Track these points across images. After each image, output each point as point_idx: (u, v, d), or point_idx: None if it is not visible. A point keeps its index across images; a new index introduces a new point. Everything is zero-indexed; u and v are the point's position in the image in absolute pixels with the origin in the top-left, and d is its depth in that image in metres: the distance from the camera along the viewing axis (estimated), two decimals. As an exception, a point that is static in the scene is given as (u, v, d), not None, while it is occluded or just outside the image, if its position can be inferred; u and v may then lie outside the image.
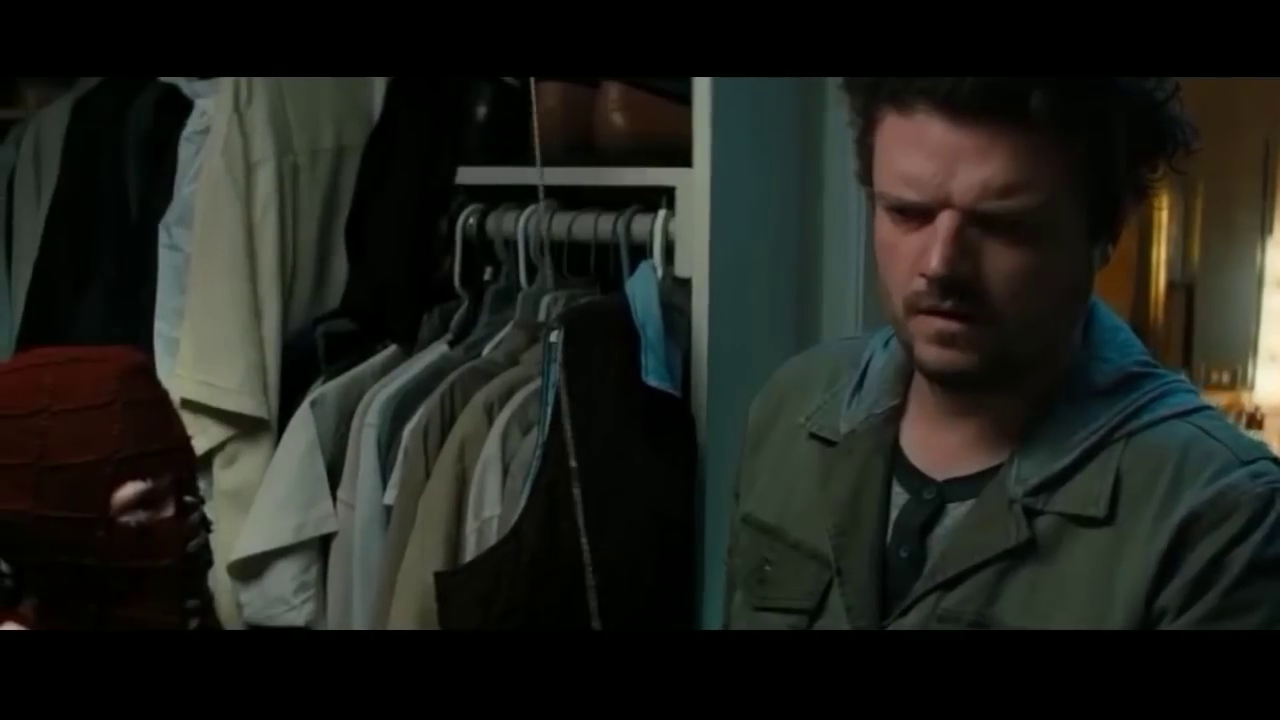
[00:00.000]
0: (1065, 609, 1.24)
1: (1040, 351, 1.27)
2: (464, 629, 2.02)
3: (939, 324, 1.23)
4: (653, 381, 1.99)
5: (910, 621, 1.29)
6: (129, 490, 1.61)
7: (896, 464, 1.34)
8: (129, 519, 1.61)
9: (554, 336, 2.05)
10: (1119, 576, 1.23)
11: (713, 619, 2.11)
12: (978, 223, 1.20)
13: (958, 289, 1.21)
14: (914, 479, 1.33)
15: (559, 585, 2.01)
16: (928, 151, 1.20)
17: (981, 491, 1.29)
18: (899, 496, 1.33)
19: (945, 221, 1.20)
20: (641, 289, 2.06)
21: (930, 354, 1.26)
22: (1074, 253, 1.24)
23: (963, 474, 1.31)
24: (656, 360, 2.00)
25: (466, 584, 2.03)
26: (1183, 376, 1.34)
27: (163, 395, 1.69)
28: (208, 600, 1.72)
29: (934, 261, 1.20)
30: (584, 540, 2.01)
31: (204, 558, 1.69)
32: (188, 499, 1.66)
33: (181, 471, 1.66)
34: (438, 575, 2.06)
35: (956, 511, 1.30)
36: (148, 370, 1.69)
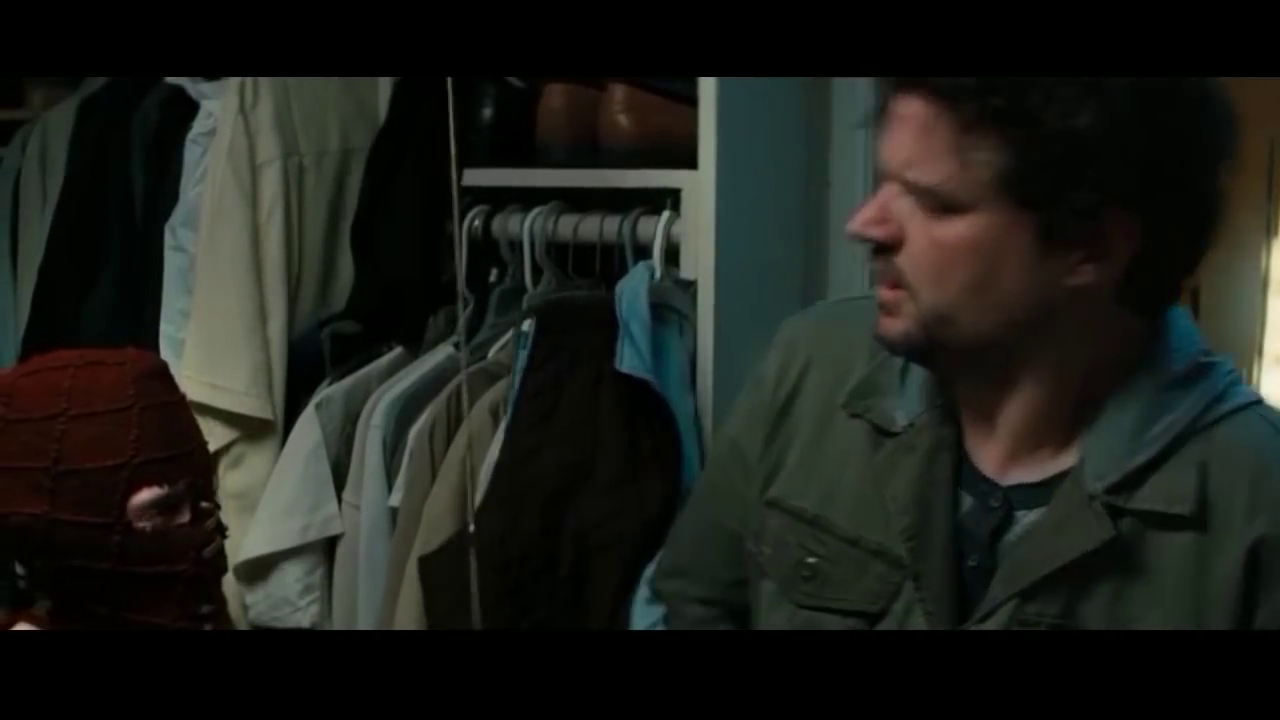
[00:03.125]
0: (1156, 610, 1.23)
1: (998, 337, 1.25)
2: (442, 608, 2.03)
3: (880, 292, 1.27)
4: (625, 368, 1.98)
5: (989, 629, 1.27)
6: (145, 495, 1.60)
7: (961, 465, 1.31)
8: (145, 524, 1.60)
9: (526, 326, 2.05)
10: (1213, 575, 1.22)
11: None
12: (910, 194, 1.22)
13: (882, 253, 1.24)
14: (979, 483, 1.31)
15: (532, 568, 2.01)
16: (892, 127, 1.24)
17: (1054, 496, 1.27)
18: (965, 501, 1.31)
19: (881, 188, 1.24)
20: (630, 287, 2.06)
21: (879, 324, 1.28)
22: (1008, 251, 1.21)
23: (1029, 480, 1.29)
24: (635, 352, 2.00)
25: (441, 565, 2.05)
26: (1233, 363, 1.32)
27: (179, 399, 1.69)
28: (221, 605, 1.72)
29: (855, 220, 1.25)
30: (548, 524, 2.01)
31: (219, 563, 1.69)
32: (203, 504, 1.66)
33: (197, 476, 1.66)
34: (420, 559, 2.09)
35: (1027, 519, 1.28)
36: (165, 373, 1.69)
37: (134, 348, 1.70)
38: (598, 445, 2.04)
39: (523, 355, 2.05)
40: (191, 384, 2.33)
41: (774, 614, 1.40)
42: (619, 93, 2.28)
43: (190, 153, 2.48)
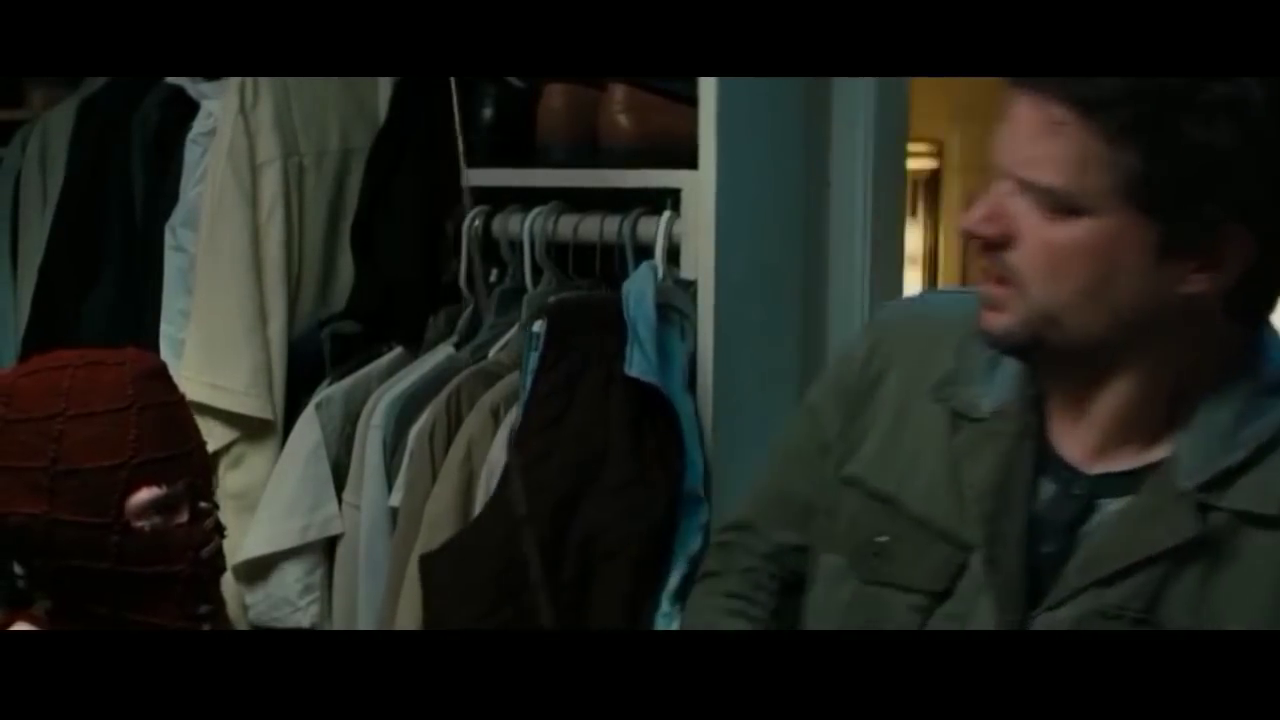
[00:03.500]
0: (1241, 609, 1.23)
1: (1104, 338, 1.26)
2: (442, 607, 2.03)
3: (985, 287, 1.28)
4: (634, 372, 1.98)
5: (1064, 615, 1.27)
6: (144, 495, 1.60)
7: (1044, 453, 1.32)
8: (143, 524, 1.60)
9: (536, 327, 2.05)
10: None
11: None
12: (1028, 193, 1.23)
13: (994, 250, 1.25)
14: (1062, 471, 1.31)
15: (533, 572, 2.01)
16: (1014, 125, 1.24)
17: (1142, 487, 1.28)
18: (1045, 488, 1.31)
19: (998, 186, 1.24)
20: (636, 287, 2.06)
21: (981, 318, 1.29)
22: (1125, 258, 1.22)
23: (1117, 470, 1.29)
24: (642, 355, 2.00)
25: (442, 564, 2.05)
26: None
27: (178, 399, 1.69)
28: (220, 605, 1.72)
29: (968, 217, 1.25)
30: (555, 529, 2.02)
31: (217, 564, 1.69)
32: (202, 504, 1.66)
33: (196, 477, 1.66)
34: (422, 558, 2.08)
35: (1110, 508, 1.29)
36: (164, 374, 1.69)
37: (134, 348, 1.70)
38: (607, 448, 2.04)
39: (534, 356, 2.05)
40: (191, 384, 2.33)
41: (837, 588, 1.42)
42: (619, 93, 2.28)
43: (190, 153, 2.48)
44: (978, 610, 1.31)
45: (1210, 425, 1.26)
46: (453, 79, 2.40)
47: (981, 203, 1.26)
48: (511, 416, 2.14)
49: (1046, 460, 1.32)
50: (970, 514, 1.33)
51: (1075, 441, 1.32)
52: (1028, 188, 1.23)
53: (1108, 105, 1.18)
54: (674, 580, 2.06)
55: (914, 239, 4.48)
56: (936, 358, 1.40)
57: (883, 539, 1.38)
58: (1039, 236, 1.23)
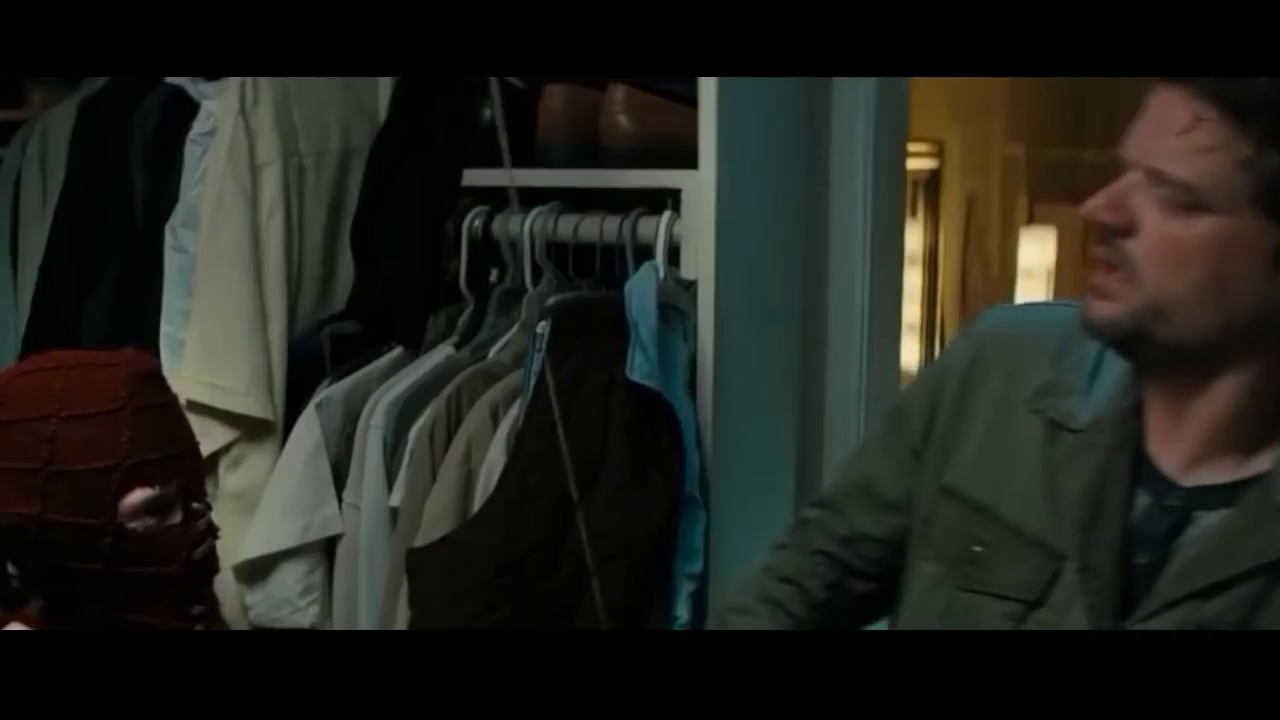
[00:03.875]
0: None
1: (1212, 339, 1.25)
2: (432, 605, 2.02)
3: (1096, 276, 1.28)
4: (636, 377, 1.98)
5: (1159, 626, 1.27)
6: (137, 496, 1.61)
7: (1140, 464, 1.32)
8: (136, 525, 1.61)
9: (541, 327, 2.05)
10: None
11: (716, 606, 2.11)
12: (1156, 186, 1.23)
13: (1112, 239, 1.26)
14: (1158, 482, 1.31)
15: (529, 574, 2.01)
16: (1152, 118, 1.25)
17: (1241, 500, 1.27)
18: (1140, 500, 1.31)
19: (1122, 176, 1.25)
20: (639, 289, 2.06)
21: (1086, 306, 1.29)
22: (1249, 261, 1.23)
23: (1213, 482, 1.29)
24: (644, 358, 2.00)
25: (422, 565, 2.04)
26: None
27: (171, 400, 1.69)
28: (213, 606, 1.72)
29: (1090, 202, 1.26)
30: (553, 531, 2.01)
31: (210, 564, 1.69)
32: (195, 505, 1.66)
33: (189, 477, 1.66)
34: (409, 552, 2.08)
35: (1207, 520, 1.28)
36: (158, 375, 1.69)
37: (128, 349, 1.70)
38: (606, 450, 2.04)
39: (537, 357, 2.04)
40: (192, 384, 2.34)
41: (933, 595, 1.43)
42: (619, 93, 2.28)
43: (190, 153, 2.48)
44: (1070, 620, 1.31)
45: None
46: (453, 79, 2.41)
47: (1106, 189, 1.26)
48: (511, 416, 2.14)
49: (1142, 471, 1.32)
50: (1065, 524, 1.33)
51: (1172, 452, 1.31)
52: (1160, 180, 1.23)
53: (1258, 109, 1.19)
54: (686, 588, 2.07)
55: (914, 239, 4.48)
56: (1035, 368, 1.40)
57: (978, 548, 1.39)
58: (1161, 229, 1.23)
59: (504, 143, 1.84)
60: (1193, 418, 1.30)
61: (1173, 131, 1.22)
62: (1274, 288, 1.23)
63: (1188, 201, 1.22)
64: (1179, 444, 1.31)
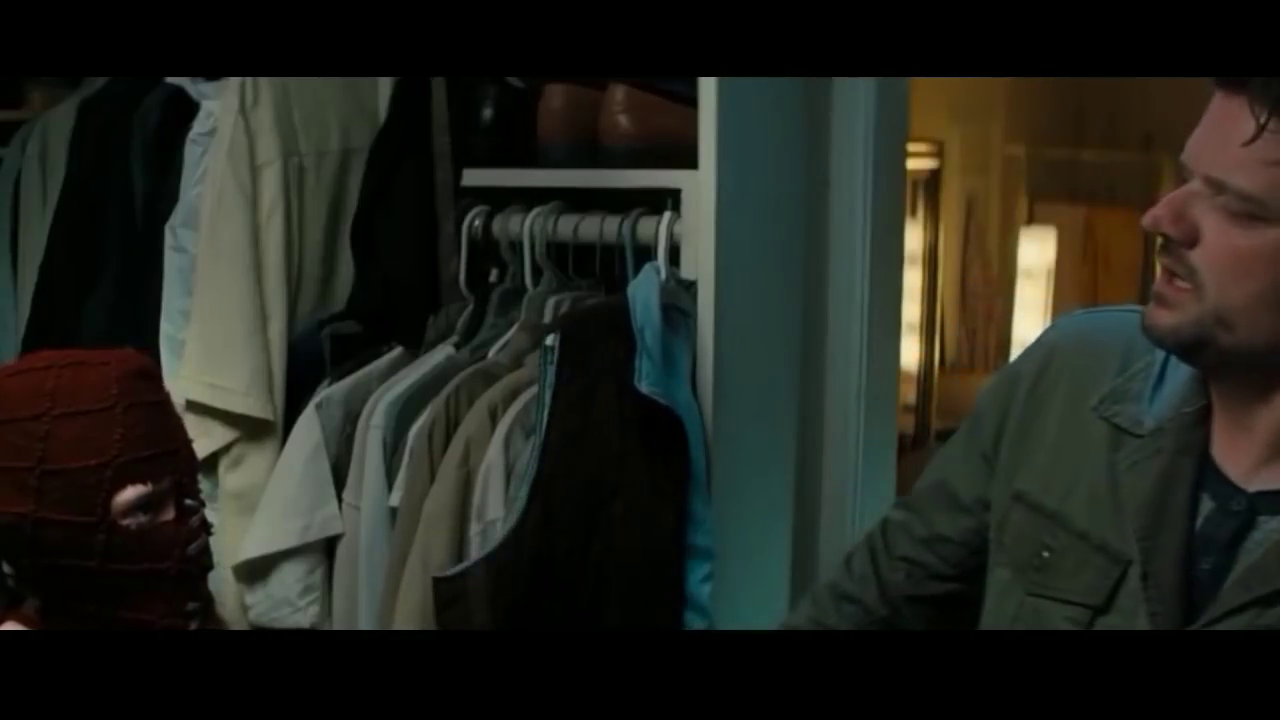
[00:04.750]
0: None
1: (1275, 347, 1.25)
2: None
3: (1158, 284, 1.28)
4: (644, 389, 1.98)
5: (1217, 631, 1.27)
6: (130, 494, 1.61)
7: (1205, 469, 1.32)
8: (129, 522, 1.61)
9: (550, 341, 2.05)
10: None
11: (722, 616, 2.11)
12: (1219, 195, 1.23)
13: (1173, 248, 1.25)
14: (1223, 487, 1.31)
15: (556, 588, 2.01)
16: (1213, 126, 1.24)
17: None
18: (1205, 505, 1.31)
19: (1184, 184, 1.25)
20: (643, 292, 2.06)
21: (1147, 314, 1.29)
22: None
23: (1277, 487, 1.29)
24: (651, 365, 2.00)
25: (464, 589, 2.03)
26: None
27: (164, 398, 1.69)
28: (207, 602, 1.73)
29: (1151, 213, 1.26)
30: (577, 543, 2.01)
31: (204, 561, 1.69)
32: (188, 502, 1.66)
33: (182, 475, 1.67)
34: (435, 580, 2.05)
35: (1270, 525, 1.28)
36: (149, 373, 1.69)
37: (120, 348, 1.70)
38: (623, 461, 2.04)
39: (550, 371, 2.04)
40: (192, 384, 2.34)
41: (1005, 601, 1.44)
42: (619, 93, 2.28)
43: (190, 153, 2.48)
44: (1135, 625, 1.32)
45: None
46: (453, 79, 2.41)
47: (1166, 199, 1.26)
48: (510, 416, 2.14)
49: (1207, 476, 1.32)
50: (1129, 528, 1.34)
51: (1237, 457, 1.31)
52: (1221, 190, 1.23)
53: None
54: (704, 592, 2.07)
55: (914, 239, 4.48)
56: (1102, 374, 1.41)
57: (1046, 553, 1.40)
58: (1222, 239, 1.23)
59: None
60: (1257, 424, 1.30)
61: (1236, 141, 1.20)
62: None
63: (1249, 211, 1.21)
64: (1244, 449, 1.31)
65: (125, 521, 1.61)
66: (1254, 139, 1.19)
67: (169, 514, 1.64)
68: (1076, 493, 1.39)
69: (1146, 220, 1.27)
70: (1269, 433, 1.29)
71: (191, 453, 1.71)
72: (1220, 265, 1.24)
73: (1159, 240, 1.27)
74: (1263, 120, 1.19)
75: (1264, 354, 1.26)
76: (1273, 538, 1.27)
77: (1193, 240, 1.25)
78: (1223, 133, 1.22)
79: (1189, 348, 1.29)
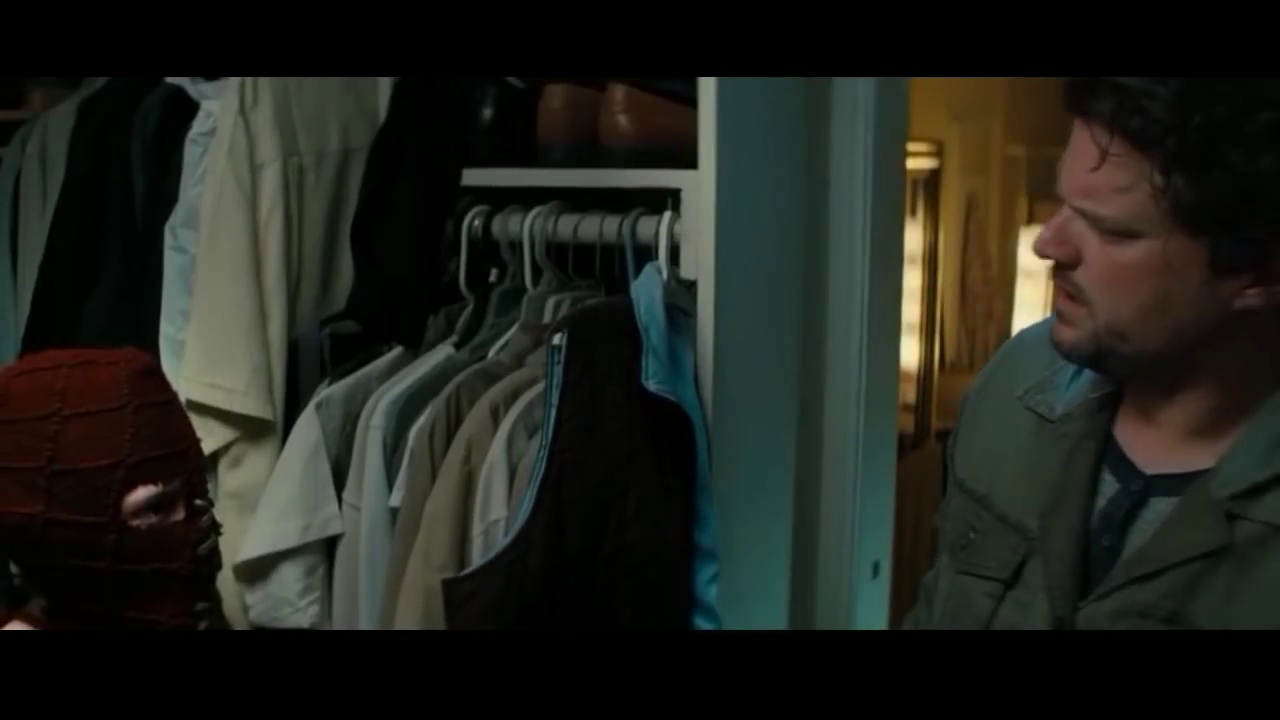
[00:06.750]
0: (1264, 617, 1.26)
1: (1167, 351, 1.32)
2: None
3: (1058, 302, 1.37)
4: (652, 386, 1.98)
5: (1105, 608, 1.35)
6: (140, 494, 1.61)
7: (1109, 452, 1.41)
8: (140, 523, 1.61)
9: (557, 339, 2.04)
10: None
11: (729, 617, 2.11)
12: (1085, 218, 1.30)
13: (1062, 270, 1.33)
14: (1125, 469, 1.39)
15: (568, 589, 2.01)
16: (1072, 153, 1.31)
17: (1185, 492, 1.33)
18: (1109, 485, 1.40)
19: (1060, 209, 1.32)
20: (646, 291, 2.06)
21: (1052, 330, 1.38)
22: (1180, 276, 1.28)
23: (1172, 471, 1.35)
24: (658, 363, 2.00)
25: (476, 591, 2.02)
26: None
27: (173, 398, 1.69)
28: (215, 603, 1.72)
29: (1039, 238, 1.34)
30: (588, 543, 2.01)
31: (214, 561, 1.69)
32: (198, 502, 1.66)
33: (192, 475, 1.66)
34: (446, 583, 2.05)
35: (1159, 506, 1.35)
36: (158, 373, 1.69)
37: (128, 348, 1.70)
38: (632, 460, 2.04)
39: (557, 371, 2.04)
40: (191, 384, 2.33)
41: (943, 580, 1.55)
42: (619, 93, 2.28)
43: (190, 153, 2.47)
44: (1037, 599, 1.40)
45: (1252, 438, 1.32)
46: (453, 79, 2.41)
47: (1049, 224, 1.33)
48: (512, 416, 2.14)
49: (1111, 459, 1.40)
50: (1034, 508, 1.43)
51: (1142, 444, 1.39)
52: (1084, 214, 1.30)
53: (1158, 138, 1.23)
54: (712, 593, 2.07)
55: (914, 239, 4.48)
56: (1034, 368, 1.51)
57: (972, 534, 1.50)
58: (1102, 257, 1.30)
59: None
60: (1162, 418, 1.38)
61: (1085, 168, 1.28)
62: (1215, 296, 1.28)
63: (1118, 229, 1.28)
64: (1148, 435, 1.39)
65: (136, 522, 1.61)
66: (1098, 166, 1.26)
67: (179, 514, 1.64)
68: (1001, 477, 1.48)
69: (1034, 245, 1.34)
70: (1172, 426, 1.36)
71: (200, 453, 1.71)
72: (1104, 282, 1.31)
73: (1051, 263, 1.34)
74: (1105, 147, 1.25)
75: (1161, 358, 1.33)
76: (1155, 520, 1.35)
77: (1076, 261, 1.32)
78: (1078, 160, 1.29)
79: (1091, 359, 1.37)
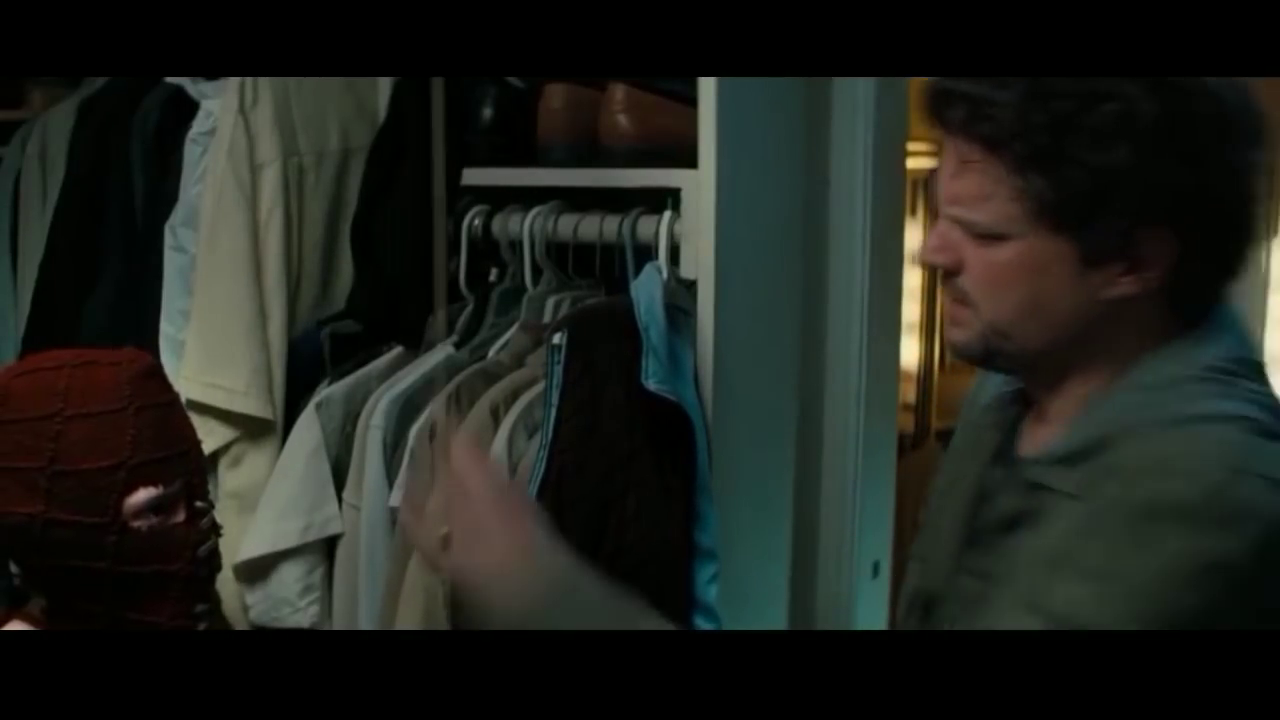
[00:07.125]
0: (1034, 573, 1.29)
1: (1050, 345, 1.37)
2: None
3: (948, 307, 1.42)
4: (652, 386, 1.98)
5: (963, 580, 1.43)
6: (141, 495, 1.61)
7: (1011, 441, 1.48)
8: (140, 524, 1.61)
9: (557, 339, 2.04)
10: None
11: (729, 617, 2.11)
12: (959, 225, 1.36)
13: (948, 276, 1.39)
14: (1013, 456, 1.46)
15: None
16: (942, 164, 1.37)
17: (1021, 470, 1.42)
18: (997, 473, 1.46)
19: (940, 219, 1.38)
20: (646, 291, 2.06)
21: (945, 333, 1.46)
22: (1053, 272, 1.33)
23: (1041, 453, 1.41)
24: (658, 363, 2.00)
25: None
26: (1258, 387, 1.35)
27: (174, 399, 1.69)
28: (215, 604, 1.72)
29: (923, 248, 1.40)
30: (588, 543, 2.01)
31: (214, 563, 1.69)
32: (198, 504, 1.66)
33: (192, 476, 1.66)
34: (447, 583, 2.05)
35: (1020, 486, 1.41)
36: (160, 374, 1.69)
37: (129, 348, 1.70)
38: (633, 460, 2.04)
39: (557, 370, 2.04)
40: (191, 384, 2.34)
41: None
42: (619, 93, 2.28)
43: (190, 153, 2.48)
44: (936, 573, 1.49)
45: (1079, 421, 1.36)
46: (453, 79, 2.40)
47: (931, 233, 1.38)
48: (512, 416, 2.14)
49: (1006, 448, 1.48)
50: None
51: (1035, 434, 1.45)
52: (957, 221, 1.35)
53: (1007, 140, 1.28)
54: (712, 593, 2.07)
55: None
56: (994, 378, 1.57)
57: (925, 523, 1.58)
58: (980, 261, 1.35)
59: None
60: (1052, 411, 1.43)
61: (952, 175, 1.34)
62: (1088, 290, 1.33)
63: (988, 233, 1.33)
64: (1041, 430, 1.44)
65: (136, 523, 1.61)
66: (960, 174, 1.32)
67: (180, 515, 1.64)
68: (949, 472, 1.57)
69: (921, 254, 1.40)
70: (1059, 417, 1.41)
71: (201, 454, 1.71)
72: (984, 284, 1.36)
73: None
74: (964, 155, 1.32)
75: (1043, 354, 1.38)
76: (1013, 502, 1.39)
77: (958, 267, 1.37)
78: (945, 169, 1.36)
79: (981, 358, 1.42)
